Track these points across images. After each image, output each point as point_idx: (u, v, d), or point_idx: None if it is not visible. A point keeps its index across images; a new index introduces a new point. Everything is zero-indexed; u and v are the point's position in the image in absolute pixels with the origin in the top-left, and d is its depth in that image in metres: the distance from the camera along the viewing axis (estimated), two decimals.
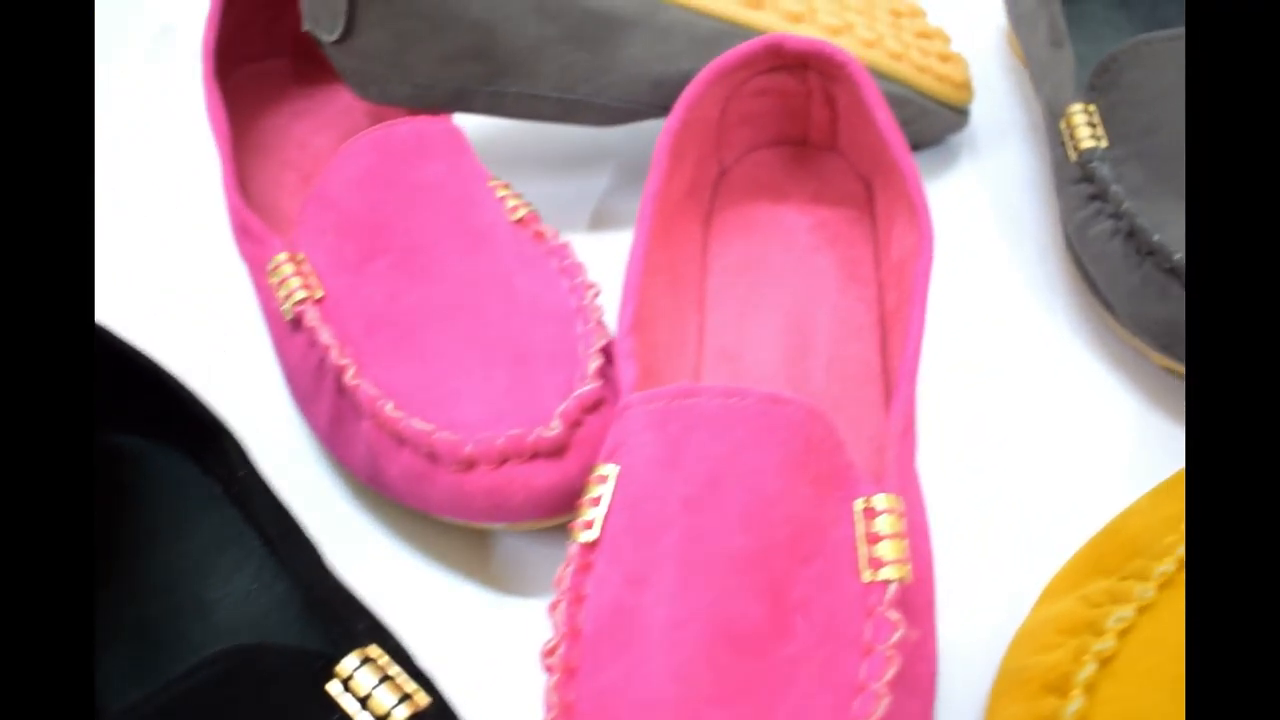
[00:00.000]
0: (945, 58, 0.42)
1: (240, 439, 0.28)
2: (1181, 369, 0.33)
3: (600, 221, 0.41)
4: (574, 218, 0.41)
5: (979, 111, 0.45)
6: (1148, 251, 0.33)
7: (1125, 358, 0.36)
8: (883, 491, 0.25)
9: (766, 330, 0.33)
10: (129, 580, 0.28)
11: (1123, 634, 0.24)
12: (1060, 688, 0.24)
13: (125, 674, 0.26)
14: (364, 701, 0.23)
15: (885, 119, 0.32)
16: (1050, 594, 0.28)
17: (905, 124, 0.39)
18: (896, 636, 0.23)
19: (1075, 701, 0.23)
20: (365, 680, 0.23)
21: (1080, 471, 0.33)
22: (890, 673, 0.22)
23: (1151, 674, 0.24)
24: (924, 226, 0.30)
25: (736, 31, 0.37)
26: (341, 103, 0.42)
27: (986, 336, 0.37)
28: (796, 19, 0.38)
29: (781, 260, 0.35)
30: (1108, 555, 0.27)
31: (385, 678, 0.23)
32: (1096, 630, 0.24)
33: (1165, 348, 0.33)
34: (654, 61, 0.37)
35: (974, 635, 0.29)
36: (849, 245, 0.35)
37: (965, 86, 0.42)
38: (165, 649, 0.27)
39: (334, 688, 0.23)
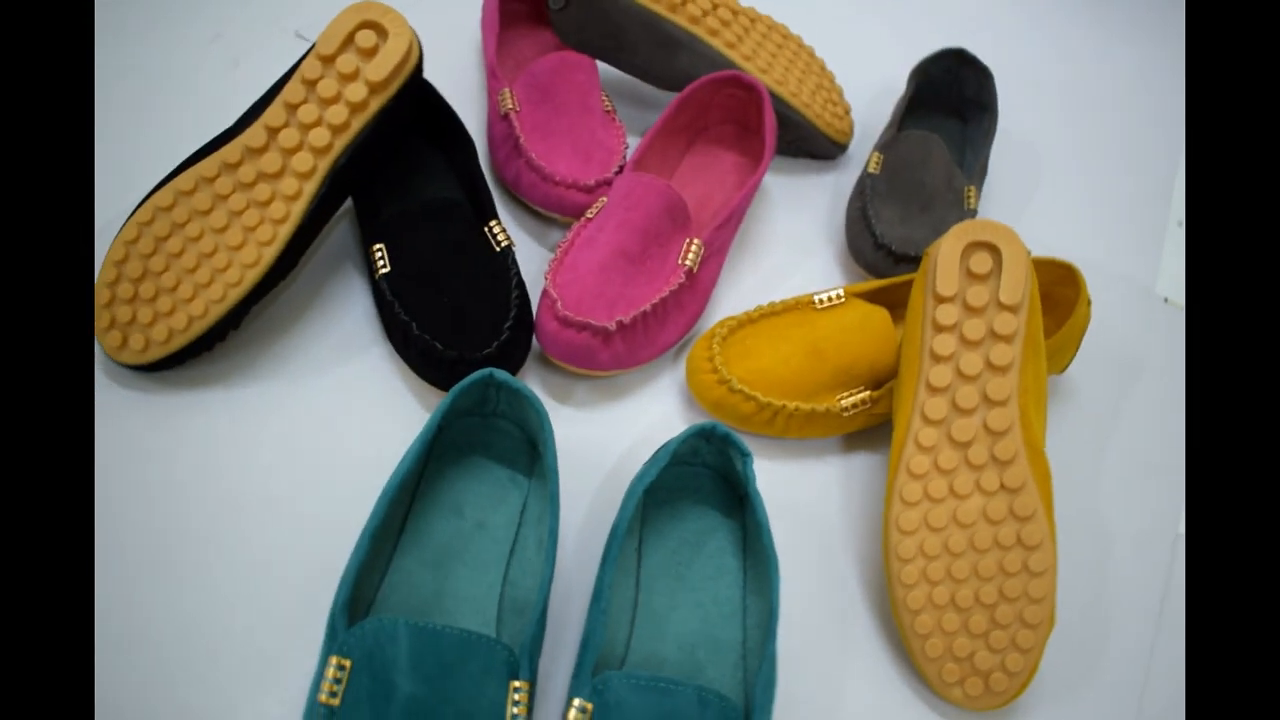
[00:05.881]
0: (837, 115, 0.83)
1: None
2: (873, 279, 0.75)
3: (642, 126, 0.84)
4: (634, 124, 0.84)
5: (859, 147, 0.87)
6: (866, 223, 0.74)
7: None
8: (696, 238, 0.67)
9: (694, 188, 0.76)
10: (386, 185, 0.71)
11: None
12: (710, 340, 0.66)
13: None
14: (498, 238, 0.66)
15: (770, 122, 0.74)
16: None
17: (798, 137, 0.81)
18: (678, 282, 0.65)
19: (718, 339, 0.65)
20: (498, 231, 0.66)
21: None
22: (675, 284, 0.65)
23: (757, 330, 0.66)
24: (764, 158, 0.72)
25: (724, 62, 0.78)
26: (549, 39, 0.85)
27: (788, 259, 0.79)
28: (763, 70, 0.80)
29: (716, 168, 0.77)
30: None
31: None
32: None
33: (867, 270, 0.74)
34: (687, 67, 0.79)
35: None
36: (745, 166, 0.77)
37: (846, 133, 0.84)
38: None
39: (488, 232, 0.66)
